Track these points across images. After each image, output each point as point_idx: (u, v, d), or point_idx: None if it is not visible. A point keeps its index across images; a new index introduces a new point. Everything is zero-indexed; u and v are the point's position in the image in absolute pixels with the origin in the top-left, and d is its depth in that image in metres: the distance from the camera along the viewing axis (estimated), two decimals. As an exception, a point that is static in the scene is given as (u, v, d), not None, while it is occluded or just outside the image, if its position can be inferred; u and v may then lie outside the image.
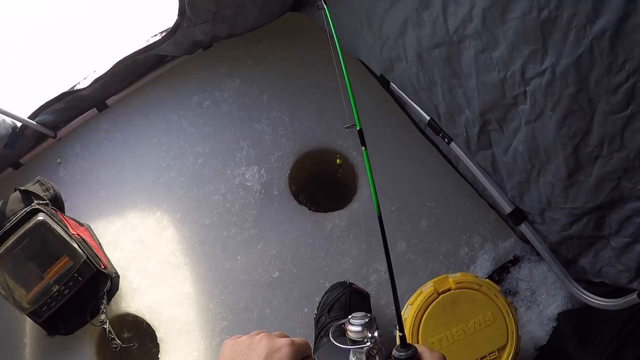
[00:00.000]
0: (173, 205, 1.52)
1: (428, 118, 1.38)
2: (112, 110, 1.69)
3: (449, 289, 1.12)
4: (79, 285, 1.31)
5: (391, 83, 1.45)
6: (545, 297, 1.40)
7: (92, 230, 1.48)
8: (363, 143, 0.66)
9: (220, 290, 1.41)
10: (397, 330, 0.60)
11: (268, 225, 1.47)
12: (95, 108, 1.67)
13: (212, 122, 1.64)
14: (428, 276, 1.43)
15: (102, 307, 1.33)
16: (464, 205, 1.50)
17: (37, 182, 1.41)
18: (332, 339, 0.66)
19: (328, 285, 1.40)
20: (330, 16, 0.87)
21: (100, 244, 1.46)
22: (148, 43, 1.60)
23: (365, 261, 1.43)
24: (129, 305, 1.42)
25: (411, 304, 1.12)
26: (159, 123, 1.65)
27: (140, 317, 1.41)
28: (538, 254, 1.39)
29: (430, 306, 1.10)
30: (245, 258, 1.44)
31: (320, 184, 1.66)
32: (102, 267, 1.35)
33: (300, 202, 1.52)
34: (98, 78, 1.58)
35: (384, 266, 1.43)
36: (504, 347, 1.11)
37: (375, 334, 0.62)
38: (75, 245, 1.31)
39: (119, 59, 1.57)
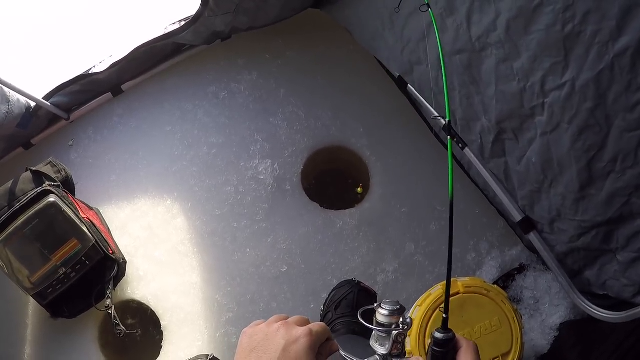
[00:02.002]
0: (184, 194, 1.52)
1: (444, 122, 1.39)
2: (127, 96, 1.68)
3: (458, 293, 1.13)
4: (86, 269, 1.31)
5: (409, 85, 1.46)
6: (549, 307, 1.41)
7: (101, 214, 1.48)
8: (450, 134, 0.66)
9: (227, 282, 1.41)
10: (443, 313, 0.59)
11: (279, 219, 1.48)
12: (110, 93, 1.67)
13: (228, 113, 1.64)
14: (435, 279, 1.45)
15: (108, 293, 1.32)
16: (473, 210, 1.51)
17: (49, 163, 1.40)
18: (360, 318, 0.66)
19: (336, 282, 1.41)
20: (434, 20, 0.87)
21: (109, 228, 1.46)
22: (167, 31, 1.60)
23: (373, 261, 1.44)
24: (135, 292, 1.42)
25: (419, 305, 1.13)
26: (173, 111, 1.65)
27: (145, 305, 1.41)
28: (544, 264, 1.40)
29: (439, 308, 1.11)
30: (254, 251, 1.44)
31: (332, 181, 1.66)
32: (110, 252, 1.35)
33: (311, 199, 1.52)
34: (115, 63, 1.57)
35: (391, 267, 1.45)
36: (507, 353, 1.12)
37: (408, 320, 0.62)
38: (85, 229, 1.30)
39: (137, 45, 1.57)
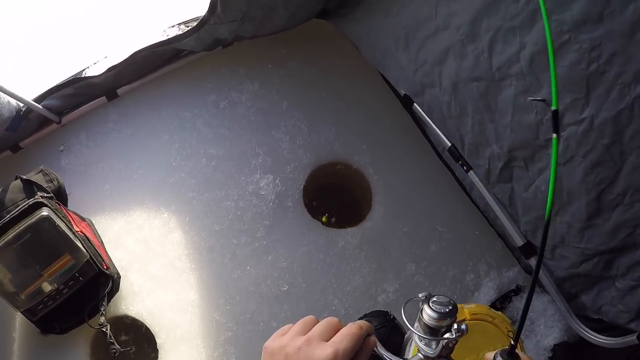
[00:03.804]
0: (182, 207, 1.47)
1: (449, 144, 1.39)
2: (122, 101, 1.62)
3: (464, 319, 1.13)
4: (79, 284, 1.25)
5: (415, 104, 1.45)
6: (544, 328, 1.44)
7: (93, 225, 1.41)
8: (556, 129, 0.64)
9: (226, 300, 1.38)
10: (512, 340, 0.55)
11: (280, 237, 1.45)
12: (105, 96, 1.60)
13: (228, 124, 1.60)
14: (434, 300, 1.45)
15: (102, 310, 1.27)
16: (472, 232, 1.52)
17: (41, 171, 1.33)
18: (402, 315, 0.61)
19: (337, 302, 1.40)
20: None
21: (102, 241, 1.39)
22: (167, 35, 1.55)
23: (374, 281, 1.43)
24: (129, 308, 1.36)
25: None
26: (171, 119, 1.59)
27: (140, 321, 1.35)
28: (540, 286, 1.43)
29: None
30: (254, 269, 1.41)
31: (333, 198, 1.64)
32: (105, 267, 1.29)
33: (313, 216, 1.50)
34: (112, 67, 1.51)
35: (392, 287, 1.44)
36: None
37: (463, 326, 0.56)
38: (79, 244, 1.24)
39: (137, 49, 1.51)
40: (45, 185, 1.31)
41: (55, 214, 1.23)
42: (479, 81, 1.08)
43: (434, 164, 1.57)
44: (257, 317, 1.36)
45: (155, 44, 1.52)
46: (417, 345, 0.59)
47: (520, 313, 1.47)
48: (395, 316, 1.34)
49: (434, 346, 0.57)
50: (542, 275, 1.32)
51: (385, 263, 1.46)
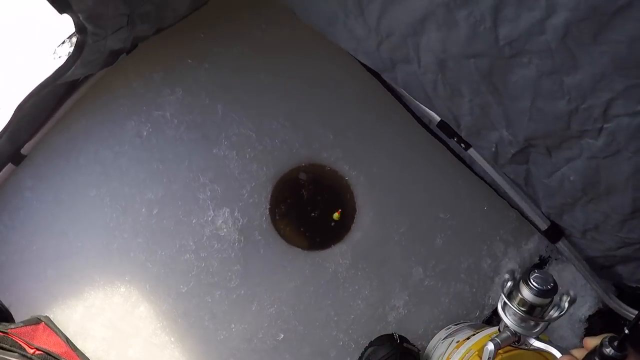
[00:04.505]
0: (137, 275, 1.24)
1: (438, 119, 1.04)
2: (31, 160, 1.31)
3: (497, 355, 0.91)
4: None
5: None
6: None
7: (51, 322, 1.22)
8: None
9: (219, 364, 1.21)
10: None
11: (258, 279, 1.21)
12: (10, 163, 1.30)
13: (158, 154, 1.28)
14: (451, 300, 1.23)
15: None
16: (481, 208, 1.26)
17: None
18: (503, 294, 0.64)
19: (342, 336, 1.20)
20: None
21: (66, 338, 1.22)
22: (59, 56, 1.19)
23: (379, 300, 1.21)
24: (122, 396, 1.23)
25: (476, 350, 0.92)
26: (92, 167, 1.29)
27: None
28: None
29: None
30: (240, 324, 1.21)
31: (310, 209, 1.31)
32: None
33: (290, 242, 1.23)
34: (2, 130, 1.19)
35: (401, 300, 1.22)
36: None
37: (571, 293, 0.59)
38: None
39: (20, 102, 1.16)
40: None
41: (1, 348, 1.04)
42: (479, 58, 0.73)
43: (422, 138, 1.22)
44: (258, 375, 1.20)
45: (37, 87, 1.15)
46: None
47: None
48: (402, 336, 1.15)
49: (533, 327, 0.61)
50: (572, 257, 1.11)
51: (387, 275, 1.22)
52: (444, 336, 1.17)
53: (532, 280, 0.59)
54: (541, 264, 1.28)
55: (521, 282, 0.59)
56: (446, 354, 1.06)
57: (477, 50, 0.70)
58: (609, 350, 0.49)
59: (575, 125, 0.68)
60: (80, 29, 1.01)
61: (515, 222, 1.28)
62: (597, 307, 1.23)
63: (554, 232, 1.08)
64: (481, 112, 0.83)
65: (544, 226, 1.07)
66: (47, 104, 1.28)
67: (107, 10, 1.00)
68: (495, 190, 1.22)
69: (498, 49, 0.67)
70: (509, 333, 0.63)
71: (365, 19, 0.87)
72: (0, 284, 1.26)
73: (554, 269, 1.26)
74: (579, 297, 1.25)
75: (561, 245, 1.08)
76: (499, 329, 0.69)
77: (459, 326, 1.19)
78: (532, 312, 0.60)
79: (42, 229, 1.29)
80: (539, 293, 0.58)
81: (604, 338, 0.50)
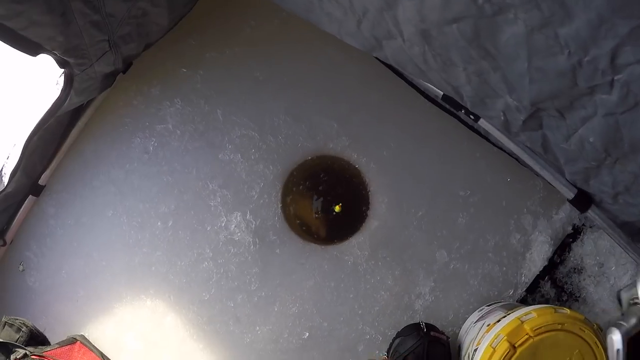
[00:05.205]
0: (161, 287, 1.26)
1: (442, 93, 0.98)
2: (50, 189, 1.36)
3: (527, 339, 0.85)
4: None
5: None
6: (615, 269, 1.19)
7: (87, 341, 1.26)
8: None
9: (249, 368, 1.21)
10: None
11: (278, 280, 1.20)
12: (30, 195, 1.35)
13: (166, 167, 1.29)
14: (480, 282, 1.16)
15: None
16: (503, 180, 1.17)
17: (5, 324, 1.17)
18: None
19: (368, 329, 1.17)
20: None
21: (101, 354, 1.25)
22: (50, 100, 1.21)
23: (404, 289, 1.16)
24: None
25: (505, 334, 0.86)
26: (106, 188, 1.32)
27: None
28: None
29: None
30: (264, 326, 1.20)
31: (323, 202, 1.28)
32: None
33: (305, 239, 1.21)
34: (15, 169, 1.23)
35: (427, 287, 1.17)
36: None
37: None
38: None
39: (26, 138, 1.20)
40: (15, 337, 1.16)
41: (35, 370, 1.09)
42: (460, 22, 0.67)
43: (431, 113, 1.16)
44: (289, 375, 1.19)
45: (40, 121, 1.18)
46: None
47: (584, 260, 1.18)
48: (429, 324, 1.10)
49: None
50: (603, 224, 1.00)
51: (410, 262, 1.16)
52: (476, 319, 1.11)
53: None
54: (575, 233, 1.18)
55: None
56: (477, 339, 1.00)
57: (456, 13, 0.64)
58: None
59: (583, 81, 0.60)
60: (62, 63, 1.03)
61: (543, 191, 1.19)
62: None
63: (582, 200, 0.98)
64: (479, 80, 0.77)
65: (570, 195, 0.98)
66: (55, 134, 1.32)
67: (83, 41, 1.00)
68: (517, 160, 1.14)
69: (477, 8, 0.60)
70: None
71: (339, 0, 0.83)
72: (36, 308, 1.32)
73: (589, 238, 1.17)
74: (619, 265, 1.16)
75: (591, 213, 0.99)
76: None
77: (491, 307, 1.12)
78: None
79: (69, 252, 1.34)
80: None
81: None
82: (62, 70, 1.24)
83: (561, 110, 0.70)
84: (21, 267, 1.38)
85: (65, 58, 1.02)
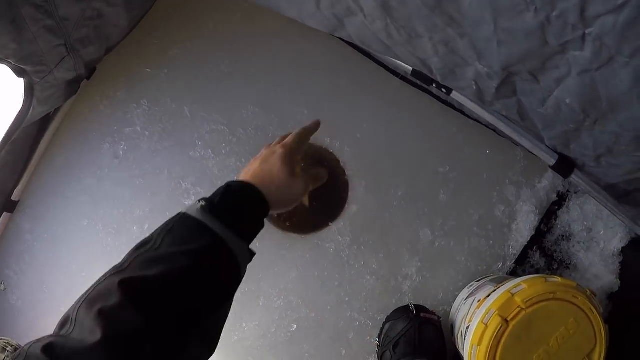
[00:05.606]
0: (143, 293, 1.23)
1: (411, 69, 0.95)
2: (24, 204, 1.33)
3: (519, 311, 0.82)
4: None
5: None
6: (604, 233, 1.14)
7: (73, 354, 1.24)
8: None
9: (240, 366, 1.18)
10: None
11: (259, 274, 1.17)
12: (4, 212, 1.32)
13: (137, 170, 1.26)
14: (468, 257, 1.13)
15: None
16: (482, 152, 1.14)
17: (-17, 343, 1.14)
18: None
19: (357, 315, 1.14)
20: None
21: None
22: (11, 115, 1.18)
23: (390, 272, 1.13)
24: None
25: (478, 345, 0.83)
26: (79, 197, 1.29)
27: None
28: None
29: (502, 341, 0.82)
30: (251, 322, 1.17)
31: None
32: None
33: (286, 229, 1.18)
34: None
35: (413, 267, 1.14)
36: (593, 349, 0.85)
37: None
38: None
39: None
40: (1, 357, 1.12)
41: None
42: None
43: (402, 91, 1.13)
44: (280, 370, 1.16)
45: (5, 136, 1.16)
46: None
47: (571, 226, 1.16)
48: (418, 305, 1.08)
49: None
50: (587, 187, 0.98)
51: (394, 244, 1.14)
52: (466, 296, 1.08)
53: None
54: (560, 200, 1.16)
55: None
56: (468, 316, 0.97)
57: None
58: None
59: (553, 39, 0.57)
60: (19, 72, 0.99)
61: (524, 161, 1.16)
62: (629, 237, 1.11)
63: (565, 165, 0.95)
64: (447, 50, 0.74)
65: (551, 161, 0.95)
66: (24, 146, 1.29)
67: (38, 47, 0.97)
68: (495, 131, 1.12)
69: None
70: None
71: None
72: (20, 326, 1.29)
73: (574, 204, 1.14)
74: (607, 228, 1.13)
75: (575, 178, 0.96)
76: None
77: (481, 282, 1.10)
78: None
79: (49, 267, 1.31)
80: None
81: None
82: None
83: (534, 73, 0.66)
84: (2, 286, 1.35)
85: (21, 66, 0.98)
